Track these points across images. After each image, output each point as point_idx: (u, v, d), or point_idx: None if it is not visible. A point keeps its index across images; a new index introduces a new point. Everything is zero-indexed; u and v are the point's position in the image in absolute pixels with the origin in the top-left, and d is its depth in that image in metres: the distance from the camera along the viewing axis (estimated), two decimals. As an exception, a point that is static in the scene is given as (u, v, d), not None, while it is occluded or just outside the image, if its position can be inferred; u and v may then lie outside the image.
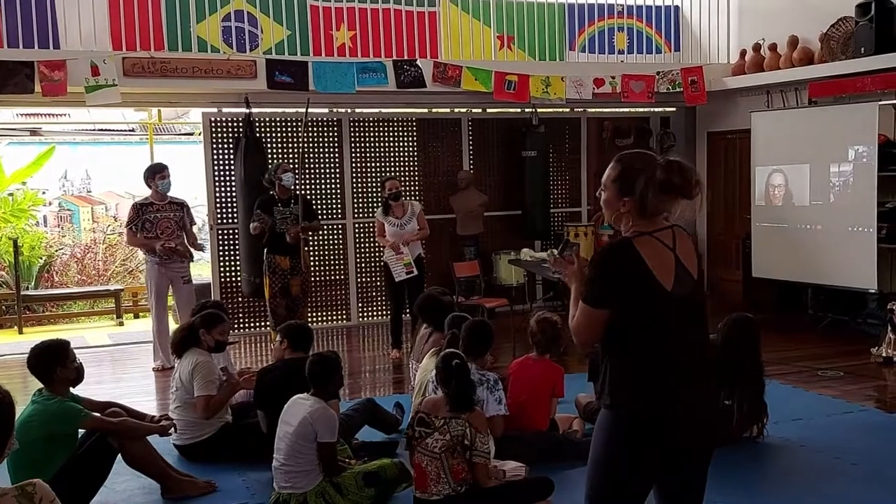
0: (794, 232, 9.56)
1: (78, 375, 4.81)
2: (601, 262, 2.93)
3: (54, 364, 4.69)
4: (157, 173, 8.29)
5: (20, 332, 11.03)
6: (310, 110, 9.47)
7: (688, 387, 2.91)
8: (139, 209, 8.26)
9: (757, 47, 10.41)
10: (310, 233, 8.54)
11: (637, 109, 11.52)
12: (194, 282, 8.76)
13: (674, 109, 11.77)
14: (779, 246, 9.76)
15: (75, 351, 4.87)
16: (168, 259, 8.19)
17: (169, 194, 8.32)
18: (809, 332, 9.40)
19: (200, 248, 8.65)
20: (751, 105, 10.53)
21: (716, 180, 11.60)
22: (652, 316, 2.88)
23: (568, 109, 11.18)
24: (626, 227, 2.97)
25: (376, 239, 8.75)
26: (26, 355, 4.76)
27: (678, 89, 10.59)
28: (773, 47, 10.19)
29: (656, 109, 11.71)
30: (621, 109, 11.46)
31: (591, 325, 2.92)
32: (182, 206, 8.36)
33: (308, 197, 9.46)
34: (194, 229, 8.60)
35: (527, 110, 10.67)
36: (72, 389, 4.84)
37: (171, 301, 8.60)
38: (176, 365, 5.84)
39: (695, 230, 11.84)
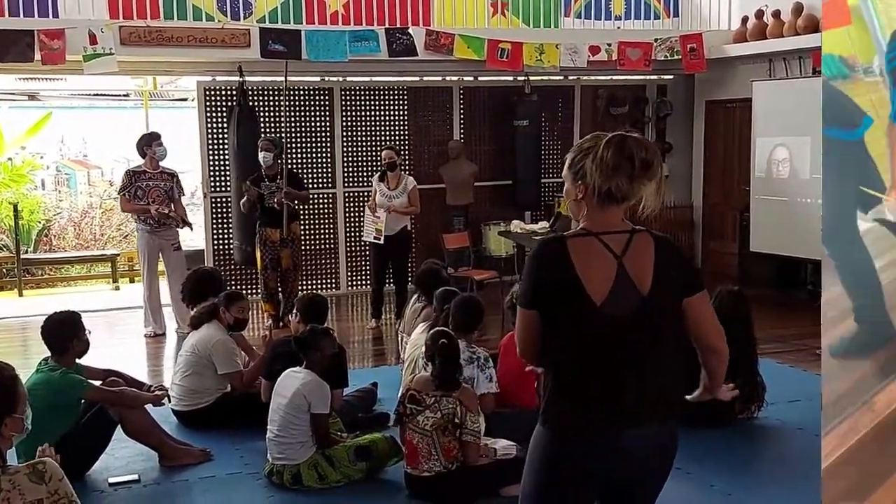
0: (795, 206, 9.31)
1: (87, 347, 4.95)
2: (530, 259, 2.63)
3: (70, 336, 4.83)
4: (153, 140, 8.33)
5: (20, 295, 11.17)
6: (301, 79, 9.48)
7: (625, 424, 2.53)
8: (132, 176, 8.31)
9: (759, 14, 10.16)
10: (295, 201, 8.47)
11: (633, 77, 11.37)
12: (187, 249, 8.83)
13: (671, 77, 11.59)
14: (778, 220, 9.50)
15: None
16: (158, 227, 8.25)
17: (161, 164, 8.36)
18: (808, 308, 8.81)
19: (189, 225, 8.56)
20: (752, 74, 10.28)
21: (713, 150, 11.42)
22: (577, 332, 2.53)
23: (561, 78, 11.00)
24: (581, 219, 2.62)
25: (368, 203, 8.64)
26: (41, 323, 4.92)
27: (676, 57, 10.42)
28: (776, 14, 9.93)
29: (653, 77, 11.53)
30: (617, 77, 11.33)
31: (524, 328, 2.61)
32: (173, 177, 8.41)
33: (295, 169, 9.50)
34: (182, 200, 8.62)
35: (519, 79, 10.59)
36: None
37: (161, 267, 8.67)
38: (189, 333, 5.94)
39: (690, 202, 11.76)
